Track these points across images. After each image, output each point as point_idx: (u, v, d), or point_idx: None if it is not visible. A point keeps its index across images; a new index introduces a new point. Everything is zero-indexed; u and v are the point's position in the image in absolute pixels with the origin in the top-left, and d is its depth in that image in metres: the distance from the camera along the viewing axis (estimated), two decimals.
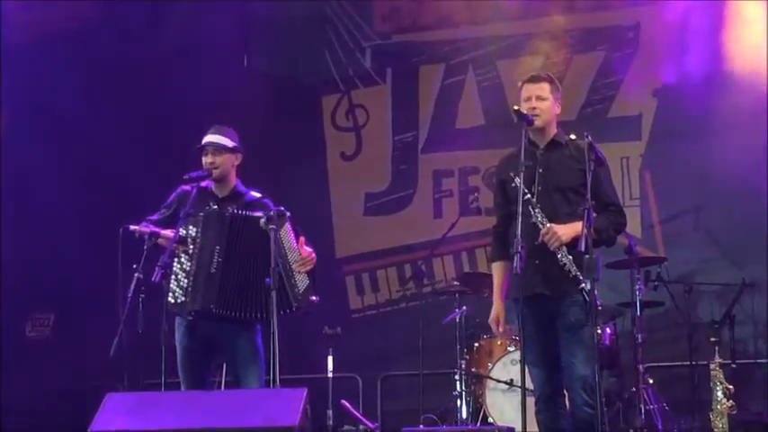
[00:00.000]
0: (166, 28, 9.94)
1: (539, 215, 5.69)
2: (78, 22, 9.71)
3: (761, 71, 9.11)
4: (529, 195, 5.67)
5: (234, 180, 6.49)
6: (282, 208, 6.29)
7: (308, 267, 6.31)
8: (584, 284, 5.54)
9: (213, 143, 6.38)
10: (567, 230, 5.65)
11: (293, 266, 6.27)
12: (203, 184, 6.43)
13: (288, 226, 6.26)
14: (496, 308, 6.01)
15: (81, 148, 9.41)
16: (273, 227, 6.10)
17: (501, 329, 6.05)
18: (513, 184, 5.79)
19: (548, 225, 5.67)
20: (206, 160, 6.39)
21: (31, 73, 9.41)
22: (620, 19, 9.73)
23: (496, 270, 6.07)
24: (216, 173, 6.38)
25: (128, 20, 9.76)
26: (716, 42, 9.28)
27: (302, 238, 6.33)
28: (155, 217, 6.40)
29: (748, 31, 9.23)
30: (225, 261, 6.25)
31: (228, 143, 6.42)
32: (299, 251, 6.29)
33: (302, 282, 6.32)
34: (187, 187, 6.41)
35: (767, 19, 9.14)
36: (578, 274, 5.57)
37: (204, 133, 6.48)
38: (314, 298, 6.34)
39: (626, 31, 9.75)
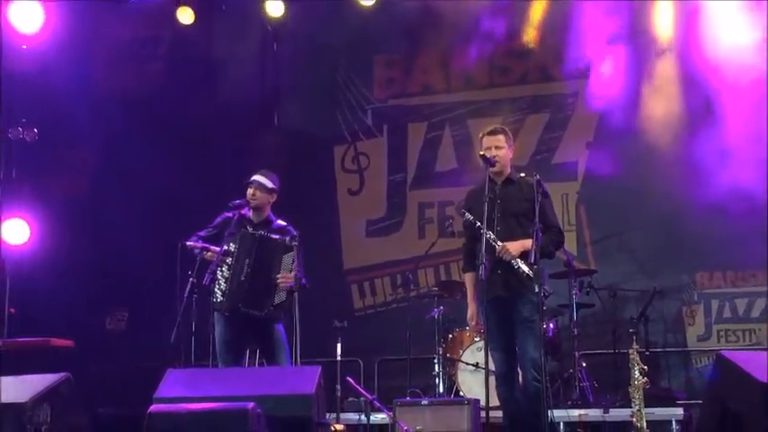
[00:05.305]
0: (218, 94, 10.02)
1: (491, 236, 5.73)
2: (148, 87, 9.78)
3: (669, 128, 9.16)
4: (479, 223, 5.71)
5: (267, 212, 6.60)
6: (296, 234, 6.39)
7: (283, 287, 6.33)
8: (536, 287, 5.58)
9: (258, 182, 6.54)
10: (516, 246, 5.76)
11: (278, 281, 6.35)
12: (243, 211, 6.52)
13: (294, 252, 6.33)
14: (472, 308, 6.05)
15: (152, 187, 9.40)
16: (296, 243, 6.25)
17: (474, 323, 6.10)
18: (470, 218, 5.83)
19: (501, 244, 5.73)
20: (249, 192, 6.52)
21: (112, 130, 9.45)
22: (562, 88, 9.78)
23: (468, 279, 6.11)
24: (253, 203, 6.53)
25: (186, 86, 9.81)
26: (635, 105, 9.32)
27: (295, 266, 6.34)
28: (202, 233, 6.52)
29: (662, 97, 9.29)
30: (252, 271, 6.35)
31: (269, 184, 6.55)
32: (285, 272, 6.34)
33: (279, 297, 6.37)
34: (229, 214, 6.54)
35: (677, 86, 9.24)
36: (530, 273, 5.62)
37: (251, 174, 6.60)
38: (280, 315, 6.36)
39: (566, 97, 9.80)
